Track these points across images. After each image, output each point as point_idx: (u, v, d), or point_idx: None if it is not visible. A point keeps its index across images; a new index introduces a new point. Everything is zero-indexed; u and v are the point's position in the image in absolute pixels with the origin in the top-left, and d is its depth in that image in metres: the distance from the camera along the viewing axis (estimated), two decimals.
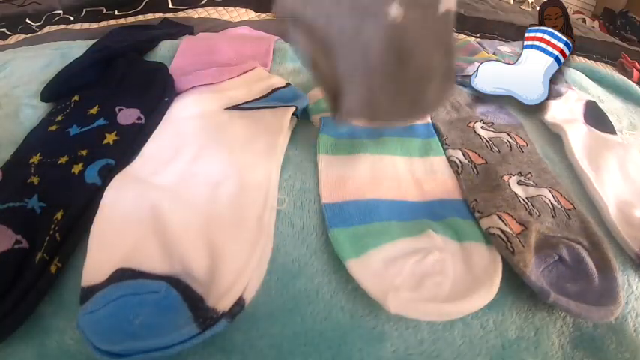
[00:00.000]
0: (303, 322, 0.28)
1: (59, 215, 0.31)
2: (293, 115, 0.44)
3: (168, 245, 0.29)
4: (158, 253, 0.29)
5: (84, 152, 0.37)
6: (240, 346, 0.27)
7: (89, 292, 0.26)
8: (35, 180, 0.34)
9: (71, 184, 0.34)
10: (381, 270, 0.29)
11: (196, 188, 0.35)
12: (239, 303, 0.26)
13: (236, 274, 0.27)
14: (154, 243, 0.30)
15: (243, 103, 0.47)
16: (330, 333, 0.28)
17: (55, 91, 0.47)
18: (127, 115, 0.41)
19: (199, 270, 0.28)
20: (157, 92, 0.45)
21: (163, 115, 0.43)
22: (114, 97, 0.45)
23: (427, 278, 0.29)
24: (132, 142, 0.39)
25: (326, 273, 0.31)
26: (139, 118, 0.41)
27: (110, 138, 0.39)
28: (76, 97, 0.44)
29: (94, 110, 0.42)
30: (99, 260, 0.28)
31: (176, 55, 0.56)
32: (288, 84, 0.50)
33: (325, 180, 0.37)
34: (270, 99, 0.48)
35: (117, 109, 0.42)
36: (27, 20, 0.81)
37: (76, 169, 0.35)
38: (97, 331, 0.24)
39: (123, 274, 0.27)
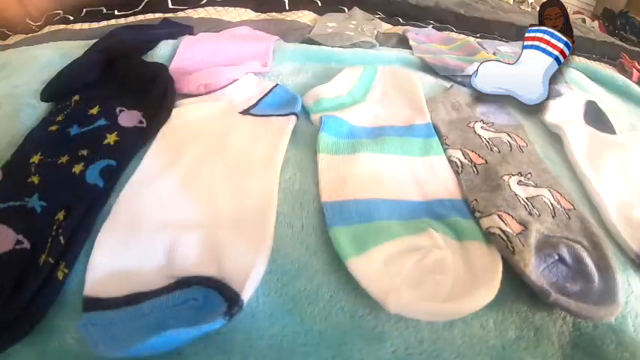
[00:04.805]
0: (303, 323, 0.28)
1: (61, 215, 0.31)
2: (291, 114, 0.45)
3: (175, 257, 0.29)
4: (162, 268, 0.29)
5: (84, 152, 0.37)
6: (240, 346, 0.27)
7: (93, 302, 0.26)
8: (35, 179, 0.34)
9: (72, 183, 0.34)
10: (381, 269, 0.29)
11: (199, 193, 0.35)
12: (239, 303, 0.26)
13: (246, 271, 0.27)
14: (161, 255, 0.30)
15: (252, 107, 0.47)
16: (330, 333, 0.28)
17: (55, 91, 0.47)
18: (128, 118, 0.41)
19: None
20: (157, 94, 0.45)
21: (165, 118, 0.43)
22: (114, 97, 0.45)
23: (427, 277, 0.29)
24: (133, 143, 0.39)
25: (325, 273, 0.31)
26: (141, 122, 0.41)
27: (111, 138, 0.39)
28: (77, 97, 0.44)
29: (94, 110, 0.42)
30: (107, 273, 0.28)
31: (176, 55, 0.56)
32: (276, 84, 0.51)
33: (325, 179, 0.37)
34: (268, 99, 0.48)
35: (118, 109, 0.42)
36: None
37: (77, 168, 0.35)
38: (107, 342, 0.24)
39: (139, 299, 0.27)
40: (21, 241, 0.29)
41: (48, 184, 0.34)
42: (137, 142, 0.40)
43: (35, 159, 0.37)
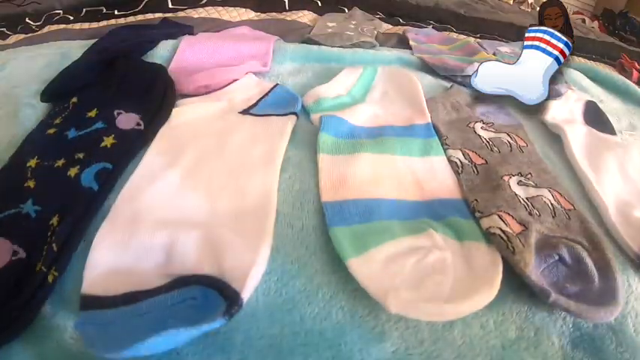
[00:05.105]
0: (303, 323, 0.28)
1: (55, 220, 0.31)
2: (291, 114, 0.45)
3: (174, 256, 0.29)
4: (161, 267, 0.29)
5: (80, 155, 0.37)
6: (240, 346, 0.27)
7: (91, 301, 0.26)
8: (31, 183, 0.34)
9: (66, 187, 0.34)
10: (381, 269, 0.29)
11: (198, 193, 0.35)
12: (238, 302, 0.26)
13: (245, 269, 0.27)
14: (160, 253, 0.30)
15: (252, 107, 0.47)
16: (330, 333, 0.28)
17: (55, 92, 0.47)
18: (126, 120, 0.41)
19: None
20: (157, 95, 0.45)
21: (164, 119, 0.43)
22: (113, 100, 0.44)
23: (427, 278, 0.29)
24: (130, 146, 0.39)
25: (325, 273, 0.31)
26: (138, 124, 0.41)
27: (108, 141, 0.38)
28: (75, 100, 0.44)
29: (92, 113, 0.42)
30: (105, 271, 0.28)
31: (176, 55, 0.56)
32: (276, 84, 0.51)
33: (325, 179, 0.37)
34: (268, 99, 0.48)
35: (115, 112, 0.42)
36: (27, 20, 0.81)
37: (72, 172, 0.35)
38: (105, 341, 0.24)
39: (137, 297, 0.27)
40: (17, 251, 0.29)
41: (43, 189, 0.34)
42: (134, 144, 0.40)
43: (32, 163, 0.36)
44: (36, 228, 0.31)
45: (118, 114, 0.42)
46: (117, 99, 0.45)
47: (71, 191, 0.34)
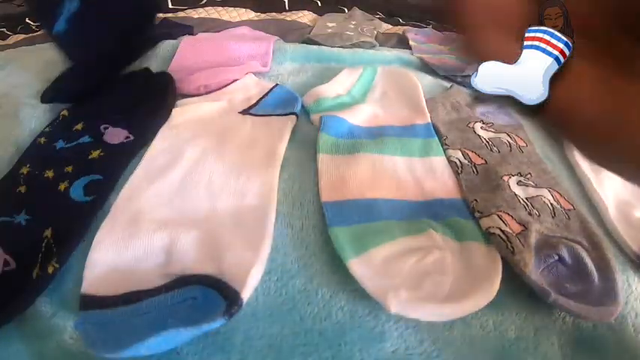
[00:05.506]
0: (303, 323, 0.28)
1: (49, 233, 0.31)
2: (291, 114, 0.45)
3: (174, 255, 0.29)
4: (161, 267, 0.29)
5: (69, 168, 0.37)
6: (240, 346, 0.27)
7: (90, 300, 0.26)
8: (22, 188, 0.35)
9: (57, 201, 0.34)
10: (381, 269, 0.29)
11: (198, 192, 0.35)
12: (238, 302, 0.26)
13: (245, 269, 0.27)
14: (160, 253, 0.30)
15: (252, 107, 0.47)
16: (330, 333, 0.28)
17: (56, 92, 0.47)
18: (114, 134, 0.41)
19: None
20: (146, 106, 0.45)
21: (164, 119, 0.43)
22: (99, 114, 0.44)
23: (427, 278, 0.29)
24: (120, 157, 0.39)
25: (325, 273, 0.31)
26: (127, 137, 0.41)
27: (95, 154, 0.38)
28: (65, 112, 0.44)
29: (79, 126, 0.42)
30: (105, 271, 0.28)
31: (176, 55, 0.56)
32: (276, 84, 0.51)
33: (325, 179, 0.37)
34: (268, 99, 0.48)
35: (102, 127, 0.42)
36: (27, 20, 0.81)
37: (62, 186, 0.35)
38: (104, 341, 0.24)
39: (137, 297, 0.27)
40: (8, 262, 0.29)
41: (33, 198, 0.34)
42: (124, 156, 0.39)
43: (24, 170, 0.37)
44: (27, 236, 0.31)
45: (105, 128, 0.41)
46: (103, 113, 0.44)
47: (62, 206, 0.34)
